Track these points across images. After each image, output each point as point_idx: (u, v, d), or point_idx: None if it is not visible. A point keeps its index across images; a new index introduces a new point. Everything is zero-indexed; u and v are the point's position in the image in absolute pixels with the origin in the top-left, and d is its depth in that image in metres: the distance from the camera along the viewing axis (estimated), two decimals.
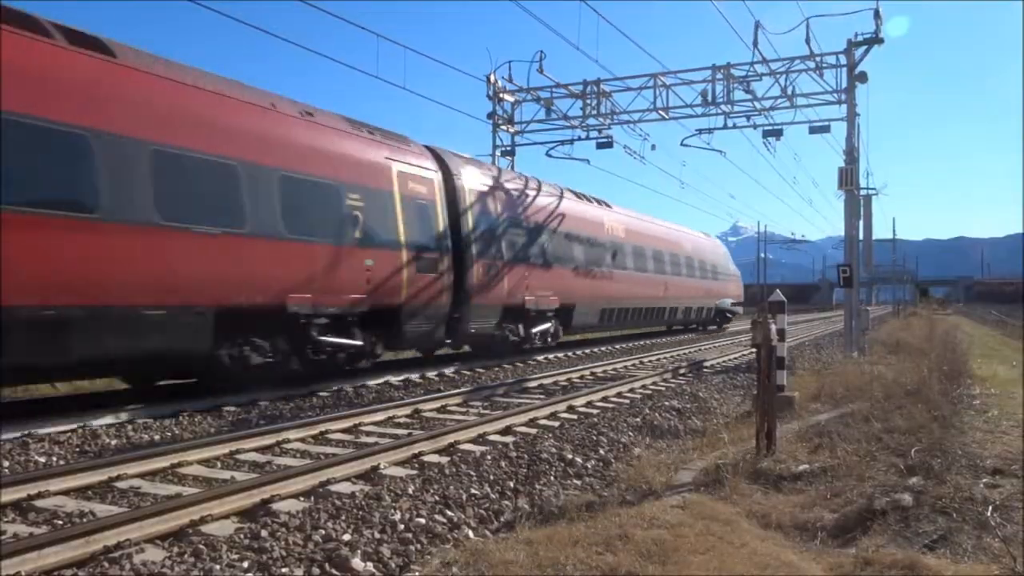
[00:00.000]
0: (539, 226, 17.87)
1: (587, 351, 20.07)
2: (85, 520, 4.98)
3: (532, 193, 18.08)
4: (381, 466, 6.49)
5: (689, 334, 29.87)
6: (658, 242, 25.85)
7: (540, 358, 17.61)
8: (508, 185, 17.23)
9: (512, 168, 22.38)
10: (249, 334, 10.20)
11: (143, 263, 8.74)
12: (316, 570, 4.35)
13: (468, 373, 14.37)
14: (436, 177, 14.28)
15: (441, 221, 14.13)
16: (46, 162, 8.00)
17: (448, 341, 15.17)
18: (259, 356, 10.36)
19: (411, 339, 13.74)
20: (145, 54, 9.61)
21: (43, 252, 7.80)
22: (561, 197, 19.44)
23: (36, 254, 7.74)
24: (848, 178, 18.18)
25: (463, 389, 11.55)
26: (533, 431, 8.46)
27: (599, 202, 22.39)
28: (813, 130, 20.35)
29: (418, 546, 4.87)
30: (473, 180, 15.74)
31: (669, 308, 26.39)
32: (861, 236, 20.44)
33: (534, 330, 17.34)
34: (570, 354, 18.96)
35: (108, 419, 8.56)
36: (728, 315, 34.21)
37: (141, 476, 6.19)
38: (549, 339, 18.19)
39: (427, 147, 14.92)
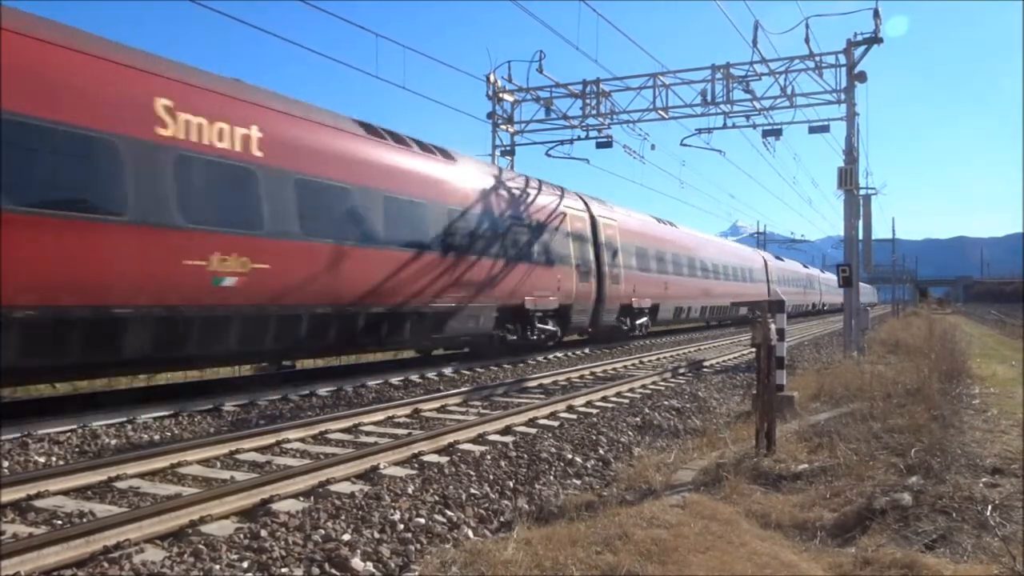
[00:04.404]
0: None
1: (587, 351, 20.07)
2: (85, 520, 4.98)
3: None
4: (381, 466, 6.49)
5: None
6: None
7: (540, 358, 17.36)
8: None
9: (512, 168, 22.29)
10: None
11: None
12: (316, 570, 4.35)
13: (468, 373, 14.37)
14: None
15: None
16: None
17: None
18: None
19: None
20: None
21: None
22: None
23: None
24: (847, 178, 18.18)
25: (463, 389, 11.54)
26: (533, 431, 8.46)
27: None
28: (813, 130, 20.36)
29: (418, 546, 4.87)
30: None
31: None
32: (861, 236, 20.40)
33: None
34: (570, 354, 18.95)
35: (107, 419, 8.56)
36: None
37: (141, 476, 6.20)
38: None
39: None
